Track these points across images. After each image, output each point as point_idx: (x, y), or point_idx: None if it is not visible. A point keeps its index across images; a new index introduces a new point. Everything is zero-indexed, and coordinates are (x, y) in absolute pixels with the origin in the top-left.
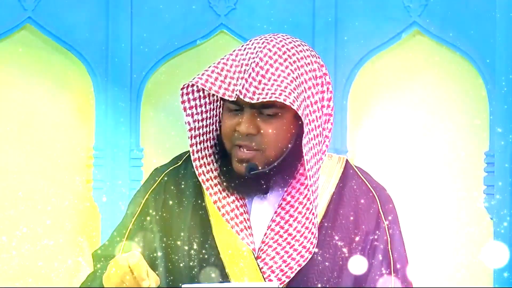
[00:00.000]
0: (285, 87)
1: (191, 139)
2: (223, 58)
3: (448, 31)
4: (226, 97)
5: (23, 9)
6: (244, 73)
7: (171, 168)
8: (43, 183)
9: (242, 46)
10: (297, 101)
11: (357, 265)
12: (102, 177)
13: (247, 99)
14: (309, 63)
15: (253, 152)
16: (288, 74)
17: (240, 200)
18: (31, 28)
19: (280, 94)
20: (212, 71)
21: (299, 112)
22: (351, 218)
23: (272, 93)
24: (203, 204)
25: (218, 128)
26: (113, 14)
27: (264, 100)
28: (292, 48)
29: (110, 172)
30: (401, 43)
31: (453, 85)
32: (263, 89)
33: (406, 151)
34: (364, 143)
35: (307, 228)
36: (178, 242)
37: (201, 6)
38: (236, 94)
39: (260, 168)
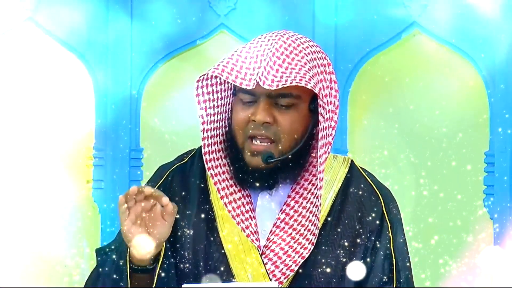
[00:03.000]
0: (304, 74)
1: (203, 133)
2: (236, 51)
3: (448, 31)
4: (243, 86)
5: (23, 9)
6: (261, 62)
7: (177, 165)
8: (43, 183)
9: (254, 40)
10: (316, 86)
11: (359, 265)
12: (102, 177)
13: (266, 86)
14: (320, 58)
15: (267, 144)
16: (305, 63)
17: (246, 198)
18: (31, 28)
19: (301, 80)
20: (228, 62)
21: (320, 96)
22: (355, 217)
23: (292, 79)
24: (209, 201)
25: (227, 125)
26: (113, 14)
27: (285, 85)
28: (305, 42)
29: (110, 172)
30: (401, 43)
31: (453, 85)
32: (281, 77)
33: (406, 151)
34: (364, 143)
35: (310, 221)
36: (183, 238)
37: (201, 6)
38: (255, 82)
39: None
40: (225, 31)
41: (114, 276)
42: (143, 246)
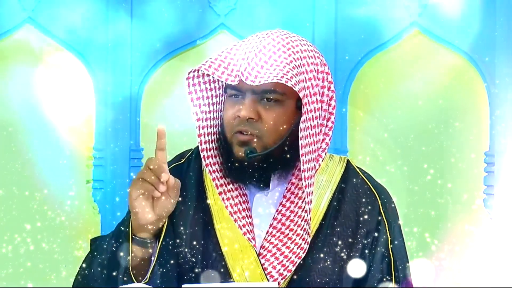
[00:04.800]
0: (287, 71)
1: (199, 130)
2: (227, 48)
3: (448, 31)
4: (228, 82)
5: (23, 9)
6: (247, 58)
7: (174, 165)
8: (43, 183)
9: (247, 38)
10: (298, 85)
11: (358, 265)
12: (102, 177)
13: (248, 82)
14: (311, 56)
15: (253, 136)
16: (291, 62)
17: (243, 197)
18: (31, 28)
19: (282, 77)
20: (216, 58)
21: (300, 95)
22: (352, 217)
23: (274, 76)
24: (206, 200)
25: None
26: (113, 14)
27: (266, 81)
28: (295, 41)
29: (110, 172)
30: (401, 43)
31: (453, 85)
32: (265, 73)
33: (406, 151)
34: (364, 143)
35: (305, 220)
36: (181, 237)
37: (201, 6)
38: (238, 77)
39: (258, 152)
40: (225, 31)
41: (113, 247)
42: (146, 216)
